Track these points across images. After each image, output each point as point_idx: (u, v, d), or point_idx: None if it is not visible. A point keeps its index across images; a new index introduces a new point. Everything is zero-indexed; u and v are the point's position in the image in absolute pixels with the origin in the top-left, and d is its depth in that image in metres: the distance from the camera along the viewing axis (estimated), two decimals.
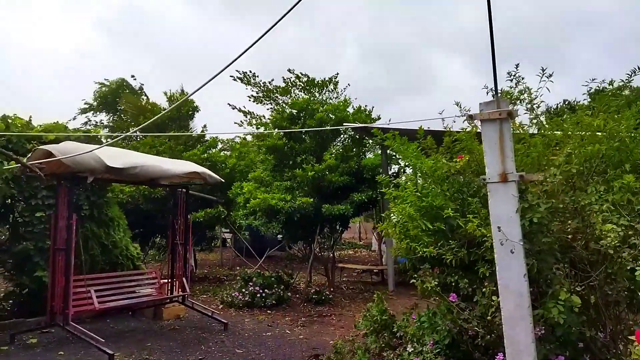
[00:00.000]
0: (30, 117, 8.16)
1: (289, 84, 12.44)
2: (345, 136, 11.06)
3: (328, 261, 10.58)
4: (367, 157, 11.25)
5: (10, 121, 7.82)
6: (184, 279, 7.52)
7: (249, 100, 13.79)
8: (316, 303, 8.80)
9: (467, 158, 3.91)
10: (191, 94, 3.91)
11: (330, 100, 12.19)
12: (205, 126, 18.53)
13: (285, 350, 5.93)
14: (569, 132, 3.74)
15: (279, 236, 13.92)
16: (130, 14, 64.03)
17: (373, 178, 9.03)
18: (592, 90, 4.16)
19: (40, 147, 6.31)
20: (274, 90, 13.22)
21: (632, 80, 4.07)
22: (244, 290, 8.74)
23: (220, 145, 15.55)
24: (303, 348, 6.04)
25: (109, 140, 11.65)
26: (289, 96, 12.78)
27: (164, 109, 16.72)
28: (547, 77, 3.87)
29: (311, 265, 10.06)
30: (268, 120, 12.58)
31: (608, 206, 3.14)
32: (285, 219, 9.00)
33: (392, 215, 4.77)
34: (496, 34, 3.10)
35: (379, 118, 12.10)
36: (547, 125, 4.25)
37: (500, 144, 3.08)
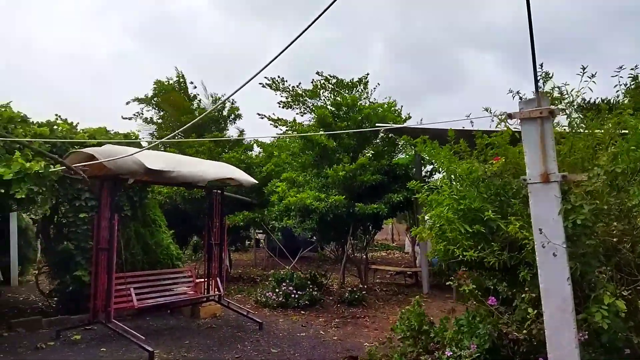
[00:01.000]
0: (74, 123, 8.54)
1: (318, 86, 12.45)
2: (381, 135, 11.02)
3: (361, 262, 10.55)
4: (399, 156, 11.17)
5: (55, 127, 8.20)
6: (219, 279, 7.66)
7: (279, 107, 13.93)
8: (349, 304, 8.78)
9: (503, 160, 3.83)
10: (229, 96, 3.98)
11: (361, 102, 12.14)
12: (243, 131, 18.79)
13: (320, 351, 5.95)
14: (612, 132, 3.60)
15: (312, 237, 13.97)
16: (160, 19, 65.84)
17: (407, 176, 8.96)
18: (632, 86, 3.99)
19: (83, 149, 6.57)
20: (303, 94, 13.28)
21: None
22: (277, 290, 8.82)
23: (256, 148, 15.75)
24: (337, 349, 6.05)
25: (154, 141, 12.00)
26: (317, 99, 12.80)
27: (203, 110, 17.08)
28: (590, 77, 3.74)
29: (344, 266, 10.05)
30: (300, 125, 12.63)
31: None
32: (318, 218, 9.03)
33: (426, 218, 4.73)
34: (527, 29, 3.02)
35: (409, 117, 11.98)
36: (584, 125, 4.10)
37: (542, 143, 3.00)
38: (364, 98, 12.37)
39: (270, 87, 13.17)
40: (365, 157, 9.44)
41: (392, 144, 11.02)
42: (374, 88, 12.41)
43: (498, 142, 4.07)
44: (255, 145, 15.21)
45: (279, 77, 13.13)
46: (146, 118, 19.10)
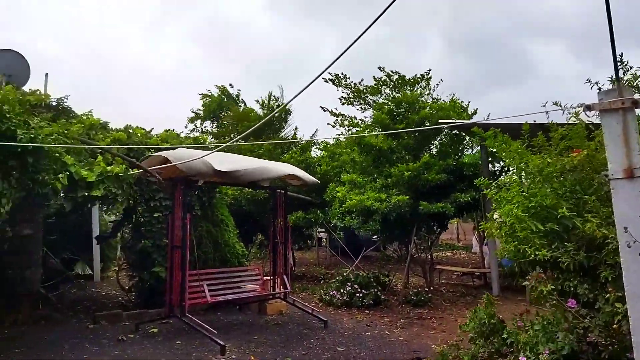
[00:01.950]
0: (147, 128, 9.11)
1: (380, 82, 12.32)
2: (444, 133, 10.73)
3: (425, 262, 10.33)
4: (465, 154, 10.81)
5: (131, 131, 8.78)
6: (284, 277, 7.84)
7: (341, 103, 13.95)
8: (414, 305, 8.63)
9: (585, 152, 3.59)
10: (289, 101, 4.07)
11: (422, 98, 11.86)
12: (296, 129, 19.06)
13: (386, 352, 5.91)
14: None
15: (374, 236, 13.87)
16: (217, 24, 68.29)
17: (474, 176, 8.65)
18: None
19: (157, 153, 6.98)
20: (364, 91, 13.19)
21: None
22: (341, 289, 8.87)
23: (314, 148, 15.94)
24: (404, 350, 5.97)
25: (218, 145, 12.49)
26: (379, 95, 12.67)
27: (259, 115, 17.56)
28: None
29: (408, 266, 9.90)
30: (360, 120, 12.57)
31: None
32: (381, 219, 8.96)
33: (495, 216, 4.55)
34: (598, 15, 2.82)
35: (476, 112, 11.54)
36: None
37: (624, 136, 2.79)
38: (427, 95, 12.11)
39: (333, 83, 13.25)
40: (427, 156, 9.22)
41: (458, 142, 10.69)
42: (437, 84, 12.11)
43: (574, 134, 3.83)
44: (314, 145, 15.38)
45: (342, 73, 13.19)
46: (203, 131, 20.10)
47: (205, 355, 5.69)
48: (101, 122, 8.51)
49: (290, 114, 18.74)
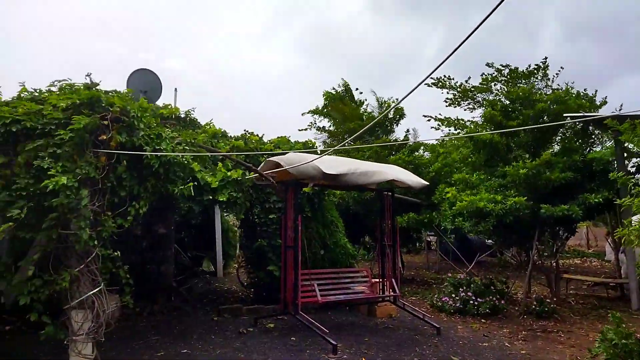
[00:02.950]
0: (260, 135, 9.66)
1: (489, 79, 11.58)
2: (568, 127, 9.74)
3: (550, 270, 9.44)
4: (594, 150, 9.67)
5: (247, 138, 9.38)
6: (393, 280, 7.73)
7: (446, 105, 13.41)
8: (538, 316, 7.92)
9: None
10: (400, 100, 3.99)
11: (540, 90, 10.89)
12: (408, 131, 18.80)
13: None
14: None
15: (488, 240, 13.08)
16: (319, 29, 69.87)
17: (606, 173, 7.68)
18: None
19: (271, 158, 7.35)
20: (471, 89, 12.51)
21: None
22: (454, 295, 8.49)
23: (422, 150, 15.54)
24: None
25: (325, 150, 12.82)
26: (489, 93, 11.92)
27: (373, 115, 17.61)
28: None
29: (529, 274, 9.13)
30: (469, 121, 11.94)
31: None
32: (495, 222, 8.38)
33: (634, 220, 3.98)
34: None
35: (605, 103, 10.26)
36: None
37: None
38: (545, 87, 11.10)
39: (436, 86, 12.80)
40: (548, 153, 8.40)
41: (585, 136, 9.62)
42: (556, 74, 11.04)
43: None
44: (421, 147, 14.99)
45: (444, 75, 12.70)
46: (319, 127, 20.53)
47: (317, 353, 5.83)
48: (222, 130, 9.25)
49: (403, 117, 18.57)
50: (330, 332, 6.21)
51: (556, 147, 9.89)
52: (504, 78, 11.07)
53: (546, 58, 10.72)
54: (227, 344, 6.19)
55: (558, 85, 10.90)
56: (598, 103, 10.16)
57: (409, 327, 7.37)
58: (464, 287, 8.56)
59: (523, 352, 6.05)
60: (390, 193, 8.08)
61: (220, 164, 7.78)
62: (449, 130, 11.77)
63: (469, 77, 12.13)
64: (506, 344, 6.45)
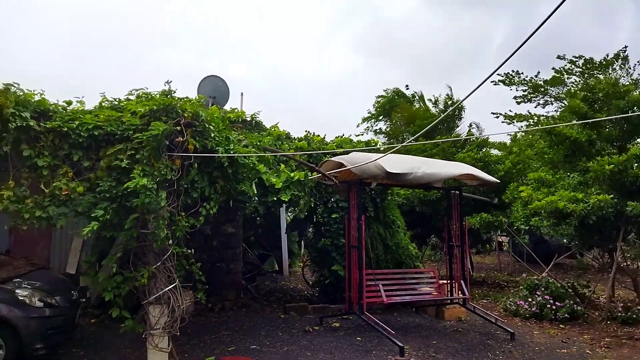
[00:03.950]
0: (322, 135, 9.72)
1: (562, 72, 10.85)
2: None
3: (637, 274, 8.65)
4: None
5: (310, 139, 9.48)
6: (462, 282, 7.46)
7: (516, 102, 12.73)
8: (623, 322, 7.30)
9: None
10: (465, 97, 3.83)
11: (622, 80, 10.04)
12: (471, 125, 18.07)
13: None
14: None
15: (565, 241, 12.25)
16: (378, 27, 68.91)
17: None
18: None
19: (333, 158, 7.37)
20: (542, 84, 11.80)
21: None
22: (529, 299, 8.04)
23: (489, 147, 14.89)
24: None
25: (389, 148, 12.67)
26: (562, 86, 11.18)
27: (432, 113, 17.17)
28: None
29: (613, 277, 8.42)
30: (542, 116, 11.26)
31: None
32: (577, 222, 7.80)
33: None
34: None
35: None
36: None
37: None
38: (626, 76, 10.23)
39: (504, 83, 12.22)
40: (637, 147, 7.70)
41: None
42: (638, 62, 10.13)
43: None
44: (487, 144, 14.38)
45: (513, 71, 12.12)
46: (376, 130, 20.44)
47: (384, 354, 5.76)
48: (286, 132, 9.43)
49: (463, 110, 17.94)
50: (397, 334, 6.12)
51: None
52: (578, 70, 10.35)
53: (626, 47, 9.88)
54: (293, 342, 6.29)
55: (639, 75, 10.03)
56: None
57: (480, 331, 7.07)
58: (541, 290, 8.09)
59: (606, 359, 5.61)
60: (457, 191, 7.81)
61: (283, 165, 7.94)
62: (522, 126, 11.22)
63: (538, 72, 11.48)
64: (587, 351, 6.01)
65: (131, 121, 4.67)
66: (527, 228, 9.46)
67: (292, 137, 10.02)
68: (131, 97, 5.19)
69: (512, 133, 14.41)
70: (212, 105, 7.24)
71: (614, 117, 7.97)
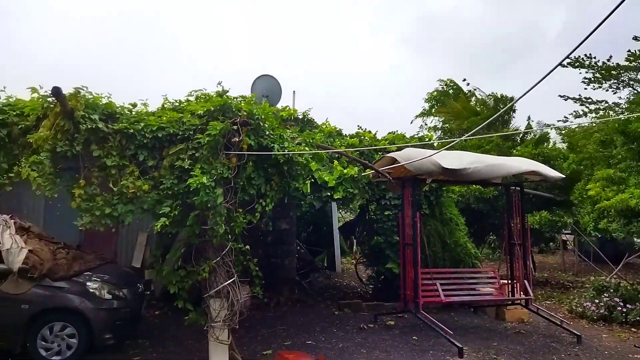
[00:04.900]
0: (373, 132, 9.64)
1: (637, 55, 10.09)
2: None
3: None
4: None
5: (361, 136, 9.42)
6: (525, 282, 7.14)
7: (585, 85, 11.96)
8: None
9: None
10: (530, 89, 3.62)
11: None
12: (529, 118, 17.24)
13: None
14: None
15: (636, 239, 11.47)
16: (425, 21, 67.07)
17: None
18: None
19: (386, 155, 7.27)
20: (616, 68, 11.02)
21: None
22: (597, 300, 7.57)
23: (552, 140, 14.15)
24: None
25: (445, 144, 12.37)
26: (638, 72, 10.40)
27: (490, 108, 16.56)
28: None
29: None
30: (614, 104, 10.53)
31: None
32: None
33: None
34: None
35: None
36: None
37: None
38: None
39: (573, 66, 11.56)
40: None
41: None
42: None
43: None
44: (549, 138, 13.65)
45: (585, 54, 11.44)
46: (430, 127, 19.89)
47: (442, 355, 5.63)
48: (337, 129, 9.42)
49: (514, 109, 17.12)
50: (454, 334, 5.96)
51: None
52: None
53: None
54: (348, 338, 6.28)
55: None
56: None
57: (544, 333, 6.75)
58: (610, 292, 7.60)
59: None
60: (518, 187, 7.48)
61: (336, 162, 7.93)
62: (593, 115, 10.58)
63: (610, 56, 10.76)
64: None
65: (191, 121, 4.83)
66: (595, 233, 8.86)
67: (343, 133, 10.01)
68: (191, 98, 5.37)
69: (579, 125, 13.61)
70: (265, 103, 7.37)
71: None
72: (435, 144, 12.42)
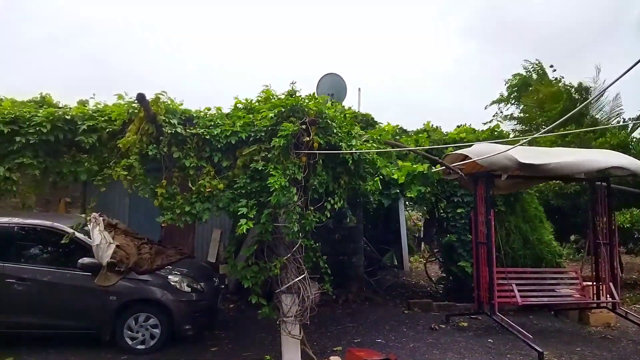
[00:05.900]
0: (439, 127, 9.39)
1: None
2: None
3: None
4: None
5: (429, 131, 9.20)
6: (611, 284, 6.62)
7: None
8: None
9: None
10: (618, 78, 3.34)
11: None
12: (618, 95, 15.60)
13: None
14: None
15: None
16: (491, 9, 63.49)
17: None
18: None
19: (456, 151, 7.03)
20: None
21: None
22: None
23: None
24: None
25: (519, 139, 11.77)
26: None
27: (572, 97, 15.42)
28: None
29: None
30: None
31: None
32: None
33: None
34: None
35: None
36: None
37: None
38: None
39: None
40: None
41: None
42: None
43: None
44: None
45: None
46: (506, 115, 18.71)
47: (520, 359, 5.37)
48: (399, 127, 9.29)
49: (590, 94, 15.72)
50: (534, 338, 5.65)
51: None
52: None
53: None
54: (419, 338, 6.18)
55: None
56: None
57: (634, 339, 6.23)
58: None
59: None
60: (605, 183, 6.93)
61: (400, 162, 7.81)
62: None
63: None
64: None
65: (262, 122, 4.97)
66: None
67: (407, 130, 9.83)
68: (260, 98, 5.51)
69: None
70: (332, 101, 7.42)
71: None
72: (510, 136, 11.80)
